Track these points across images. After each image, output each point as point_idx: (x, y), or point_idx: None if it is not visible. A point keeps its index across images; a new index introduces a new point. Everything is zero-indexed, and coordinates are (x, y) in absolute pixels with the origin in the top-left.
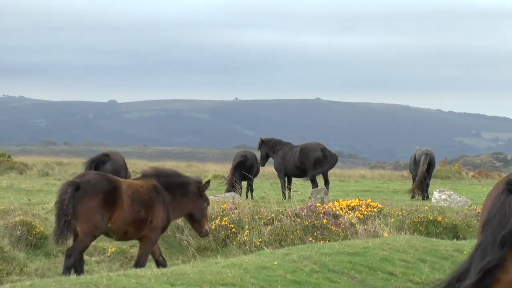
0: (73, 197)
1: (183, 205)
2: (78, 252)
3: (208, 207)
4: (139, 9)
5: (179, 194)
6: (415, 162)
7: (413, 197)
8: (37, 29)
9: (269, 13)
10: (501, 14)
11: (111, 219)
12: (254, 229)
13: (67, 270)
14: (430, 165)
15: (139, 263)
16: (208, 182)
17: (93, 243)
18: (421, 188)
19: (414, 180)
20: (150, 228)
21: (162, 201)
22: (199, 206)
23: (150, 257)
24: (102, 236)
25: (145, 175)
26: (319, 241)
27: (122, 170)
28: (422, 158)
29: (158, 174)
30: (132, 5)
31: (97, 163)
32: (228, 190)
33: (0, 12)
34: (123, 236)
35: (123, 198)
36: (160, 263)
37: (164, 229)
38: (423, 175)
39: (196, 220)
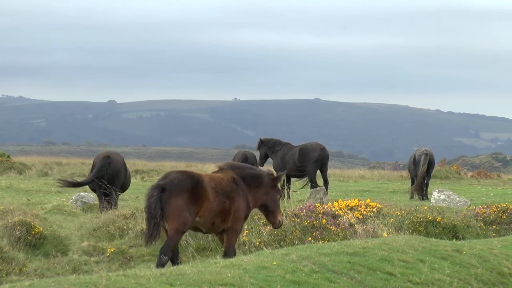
0: (159, 199)
1: (257, 196)
2: (170, 249)
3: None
4: (139, 9)
5: (254, 186)
6: (415, 162)
7: (412, 197)
8: (37, 29)
9: (268, 14)
10: (500, 14)
11: (199, 213)
12: (253, 229)
13: (161, 267)
14: (430, 165)
15: (227, 254)
16: (281, 175)
17: (92, 243)
18: (420, 188)
19: (412, 180)
20: (234, 219)
21: (242, 192)
22: (273, 197)
23: (148, 258)
24: (101, 236)
25: (222, 168)
26: (318, 241)
27: (122, 170)
28: (422, 158)
29: (233, 167)
30: (131, 6)
31: (103, 169)
32: None
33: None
34: (211, 227)
35: (208, 191)
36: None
37: (245, 218)
38: (423, 175)
39: (270, 211)
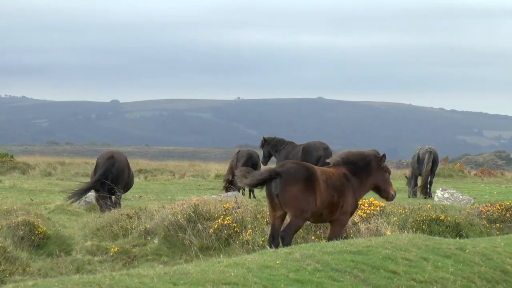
0: (267, 180)
1: (368, 183)
2: (292, 233)
3: (389, 175)
4: (140, 8)
5: (365, 176)
6: (419, 161)
7: (415, 195)
8: (40, 29)
9: (270, 13)
10: (502, 12)
11: (316, 201)
12: (257, 228)
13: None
14: (434, 163)
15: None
16: (384, 155)
17: (95, 243)
18: (424, 186)
19: (415, 178)
20: (341, 212)
21: (351, 188)
22: (382, 176)
23: (151, 257)
24: (104, 236)
25: (335, 164)
26: (321, 240)
27: (125, 169)
28: (426, 156)
29: (346, 162)
30: (133, 5)
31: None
32: (227, 190)
33: (2, 12)
34: (319, 218)
35: (320, 183)
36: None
37: (352, 213)
38: (428, 173)
39: (382, 190)
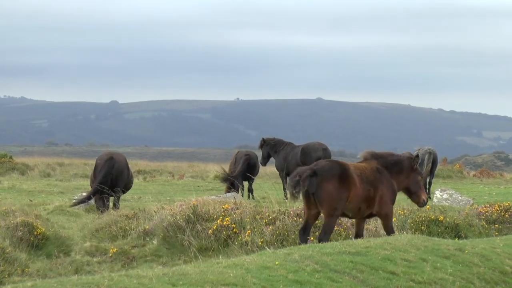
0: (310, 182)
1: (399, 180)
2: (328, 237)
3: (421, 179)
4: (139, 9)
5: (395, 172)
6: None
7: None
8: (39, 29)
9: (269, 14)
10: (503, 12)
11: (348, 199)
12: (255, 229)
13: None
14: (433, 164)
15: (388, 234)
16: (417, 156)
17: (94, 244)
18: (424, 187)
19: None
20: (381, 205)
21: (385, 180)
22: (414, 179)
23: (150, 258)
24: (103, 237)
25: (366, 159)
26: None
27: (125, 170)
28: (426, 157)
29: (376, 157)
30: (131, 5)
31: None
32: (229, 189)
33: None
34: (357, 212)
35: (354, 178)
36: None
37: (393, 202)
38: (427, 174)
39: (413, 193)
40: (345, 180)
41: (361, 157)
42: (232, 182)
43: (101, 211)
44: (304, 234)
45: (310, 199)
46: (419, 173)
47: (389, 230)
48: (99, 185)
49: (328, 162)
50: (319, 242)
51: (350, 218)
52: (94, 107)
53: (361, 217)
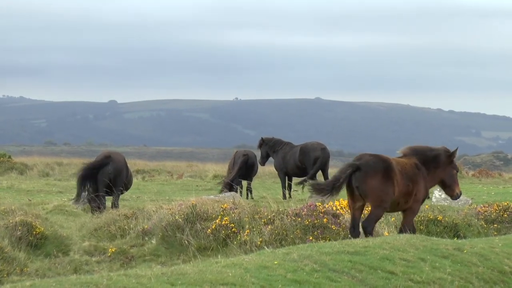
0: (349, 176)
1: (435, 175)
2: (373, 223)
3: (457, 173)
4: (136, 8)
5: (433, 167)
6: None
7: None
8: (37, 29)
9: (268, 14)
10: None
11: (394, 191)
12: (254, 229)
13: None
14: None
15: (405, 231)
16: (456, 150)
17: (93, 243)
18: None
19: None
20: (414, 200)
21: (422, 177)
22: (449, 173)
23: (149, 258)
24: (102, 236)
25: (405, 154)
26: (319, 240)
27: (123, 169)
28: None
29: (416, 152)
30: (128, 5)
31: (99, 167)
32: (222, 191)
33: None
34: (396, 207)
35: (396, 173)
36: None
37: (423, 201)
38: None
39: (447, 186)
40: (389, 175)
41: (401, 152)
42: (229, 183)
43: (96, 211)
44: (354, 231)
45: (354, 193)
46: (455, 167)
47: (409, 227)
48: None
49: (372, 157)
50: (364, 229)
51: (388, 212)
52: (92, 107)
53: (397, 211)
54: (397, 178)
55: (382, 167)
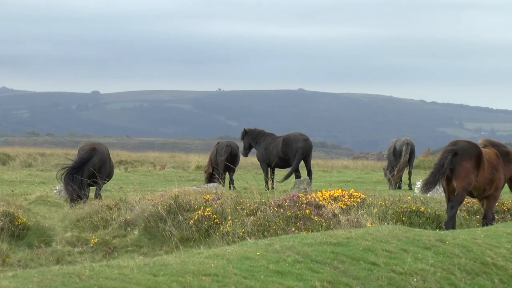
0: (450, 161)
1: (508, 170)
2: (458, 204)
3: None
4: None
5: (505, 161)
6: (395, 153)
7: (400, 187)
8: (17, 20)
9: (250, 5)
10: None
11: (476, 179)
12: (237, 220)
13: (450, 220)
14: (411, 154)
15: (487, 217)
16: None
17: (75, 234)
18: (399, 178)
19: (391, 170)
20: (495, 188)
21: (502, 166)
22: None
23: (131, 248)
24: (85, 227)
25: (485, 146)
26: (302, 231)
27: (107, 160)
28: (404, 148)
29: (494, 145)
30: None
31: (85, 162)
32: (208, 182)
33: None
34: (482, 193)
35: (485, 162)
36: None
37: (502, 187)
38: (405, 165)
39: None
40: (480, 161)
41: (481, 143)
42: (212, 173)
43: (76, 201)
44: (452, 209)
45: (448, 176)
46: None
47: (489, 212)
48: (78, 163)
49: (467, 143)
50: (450, 207)
51: (474, 197)
52: (75, 98)
53: (482, 198)
54: (484, 166)
55: (476, 152)
